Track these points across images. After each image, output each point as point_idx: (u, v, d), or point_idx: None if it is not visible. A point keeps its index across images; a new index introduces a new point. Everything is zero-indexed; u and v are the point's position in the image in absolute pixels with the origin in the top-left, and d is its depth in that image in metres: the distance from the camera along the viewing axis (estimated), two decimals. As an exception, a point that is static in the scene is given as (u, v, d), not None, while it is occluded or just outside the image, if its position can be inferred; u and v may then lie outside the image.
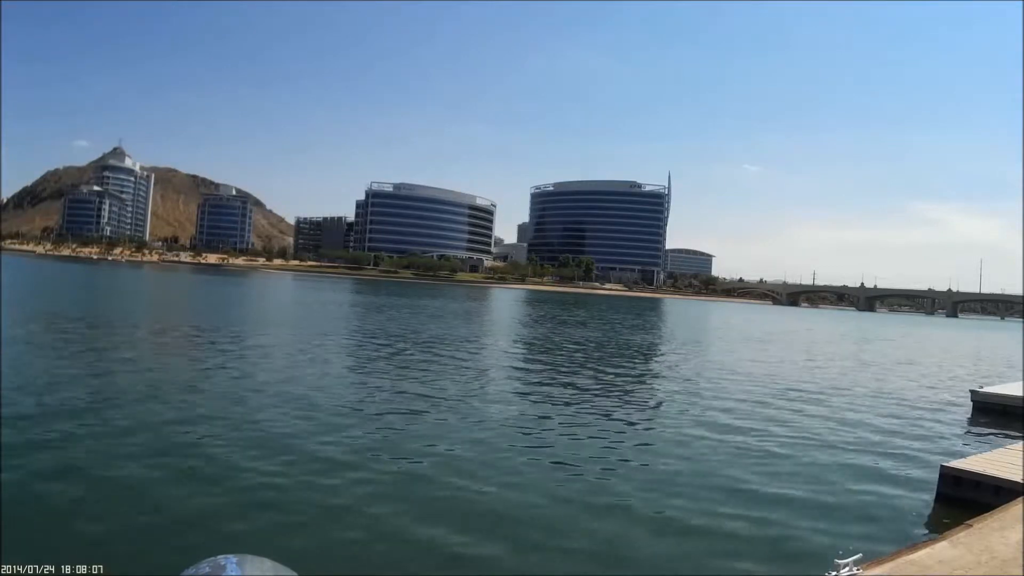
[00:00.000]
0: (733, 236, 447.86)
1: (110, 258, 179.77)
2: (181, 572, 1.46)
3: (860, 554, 5.46)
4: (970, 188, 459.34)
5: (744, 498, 8.91)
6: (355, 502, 7.90)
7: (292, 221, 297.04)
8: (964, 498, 8.86)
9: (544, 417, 13.68)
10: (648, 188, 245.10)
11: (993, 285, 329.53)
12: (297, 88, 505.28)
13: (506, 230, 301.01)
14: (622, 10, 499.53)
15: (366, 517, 7.47)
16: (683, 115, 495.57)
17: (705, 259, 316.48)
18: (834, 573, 5.19)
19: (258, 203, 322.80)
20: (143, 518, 6.98)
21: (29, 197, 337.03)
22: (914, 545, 6.28)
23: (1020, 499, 7.67)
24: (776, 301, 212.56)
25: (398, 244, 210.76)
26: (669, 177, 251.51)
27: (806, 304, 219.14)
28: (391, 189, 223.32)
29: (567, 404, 15.34)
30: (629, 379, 21.05)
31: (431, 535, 7.11)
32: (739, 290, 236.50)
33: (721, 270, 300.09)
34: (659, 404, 16.80)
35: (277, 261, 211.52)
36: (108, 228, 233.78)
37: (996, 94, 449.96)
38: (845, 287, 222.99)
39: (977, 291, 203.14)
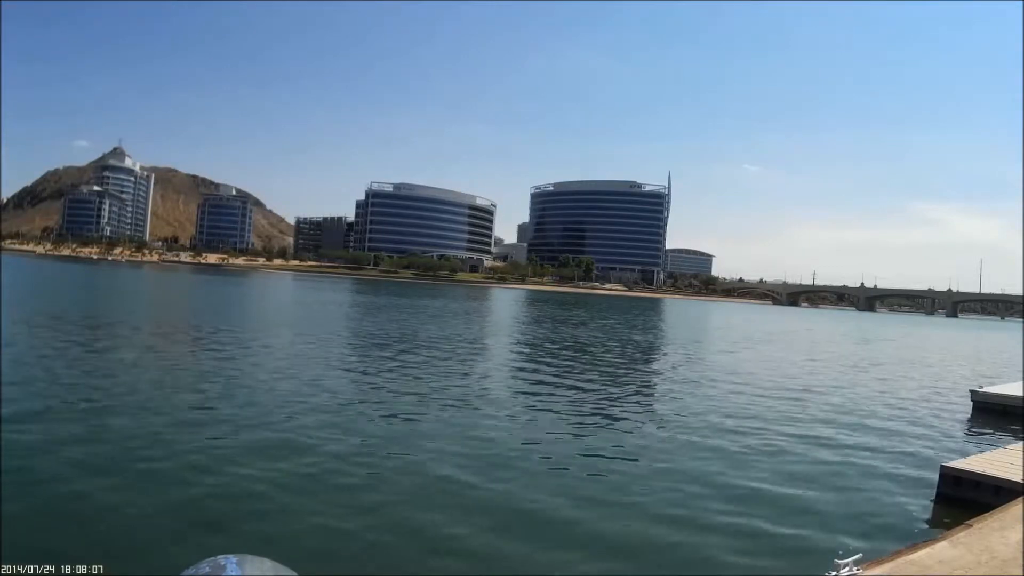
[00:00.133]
0: (733, 236, 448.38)
1: (110, 258, 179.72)
2: (181, 572, 1.46)
3: (860, 554, 5.46)
4: (970, 188, 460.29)
5: (744, 498, 8.91)
6: (355, 502, 7.89)
7: (292, 221, 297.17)
8: (964, 498, 8.86)
9: (545, 417, 13.67)
10: (648, 188, 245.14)
11: (993, 285, 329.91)
12: (297, 88, 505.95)
13: (506, 230, 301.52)
14: (622, 10, 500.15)
15: (367, 517, 7.47)
16: (683, 115, 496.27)
17: (705, 259, 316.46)
18: (834, 573, 5.19)
19: (258, 203, 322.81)
20: (143, 518, 6.97)
21: (29, 197, 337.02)
22: (914, 545, 6.28)
23: (1020, 499, 7.67)
24: (776, 301, 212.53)
25: (398, 244, 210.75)
26: (669, 177, 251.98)
27: (806, 304, 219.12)
28: (391, 189, 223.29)
29: (567, 404, 15.34)
30: (630, 379, 21.04)
31: (432, 535, 7.11)
32: (739, 290, 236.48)
33: (721, 270, 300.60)
34: (660, 404, 16.80)
35: (277, 261, 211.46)
36: (108, 228, 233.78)
37: (996, 94, 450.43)
38: (845, 287, 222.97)
39: (977, 291, 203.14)
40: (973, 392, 18.70)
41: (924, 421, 16.02)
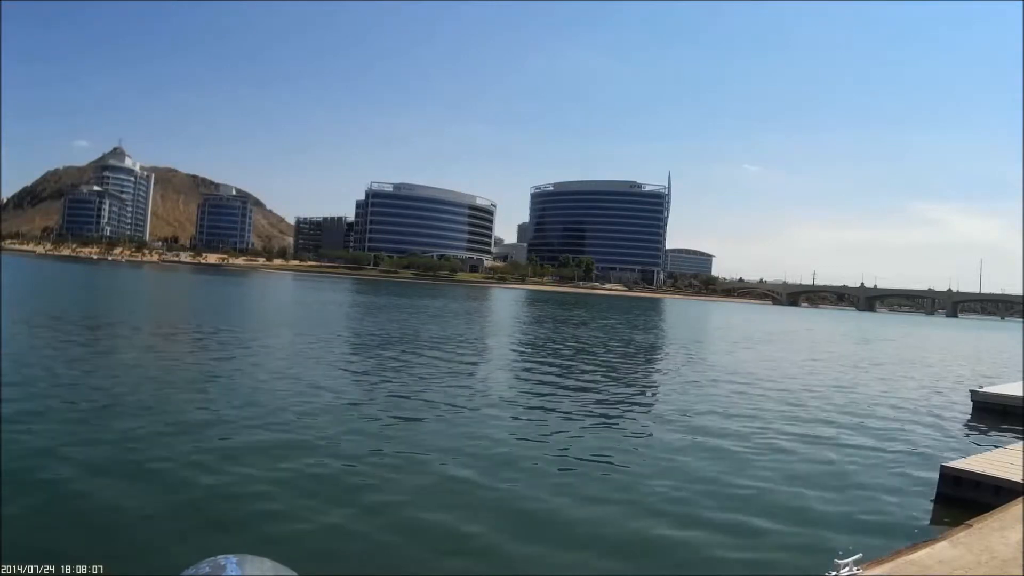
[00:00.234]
0: (733, 236, 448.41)
1: (110, 258, 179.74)
2: (181, 572, 1.47)
3: (860, 554, 5.45)
4: (970, 188, 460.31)
5: (745, 497, 8.91)
6: (356, 501, 7.89)
7: (292, 221, 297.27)
8: (964, 498, 8.85)
9: (547, 417, 13.66)
10: (648, 188, 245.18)
11: (993, 285, 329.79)
12: (297, 88, 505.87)
13: (506, 230, 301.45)
14: (622, 10, 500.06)
15: (367, 517, 7.46)
16: (683, 115, 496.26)
17: (705, 259, 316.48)
18: (834, 573, 5.19)
19: (258, 203, 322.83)
20: (143, 518, 6.97)
21: (29, 197, 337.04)
22: (914, 545, 6.28)
23: (1020, 499, 7.67)
24: (776, 301, 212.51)
25: (398, 244, 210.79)
26: (669, 177, 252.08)
27: (806, 304, 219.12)
28: (391, 189, 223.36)
29: (570, 404, 15.33)
30: (631, 379, 21.05)
31: (433, 535, 7.11)
32: (739, 290, 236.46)
33: (721, 270, 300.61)
34: (661, 404, 16.80)
35: (277, 261, 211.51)
36: (108, 228, 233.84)
37: (996, 94, 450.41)
38: (845, 287, 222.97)
39: (977, 291, 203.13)
40: (973, 392, 18.70)
41: (924, 421, 16.02)
